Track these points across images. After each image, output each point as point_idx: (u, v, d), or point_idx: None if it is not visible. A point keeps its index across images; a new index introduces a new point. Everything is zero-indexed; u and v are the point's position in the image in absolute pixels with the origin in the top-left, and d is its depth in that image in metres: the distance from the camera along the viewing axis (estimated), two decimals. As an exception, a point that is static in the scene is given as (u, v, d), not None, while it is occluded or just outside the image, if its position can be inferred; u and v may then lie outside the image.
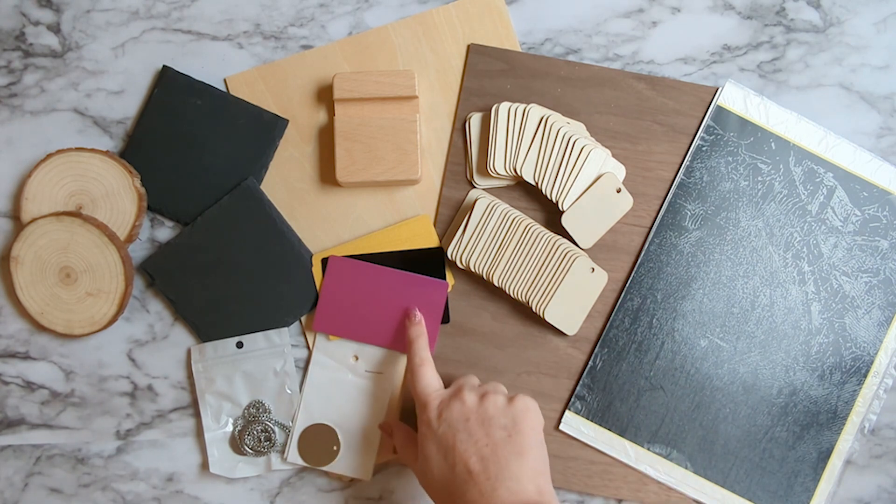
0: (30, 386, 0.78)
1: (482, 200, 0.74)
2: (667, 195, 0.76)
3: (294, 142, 0.77)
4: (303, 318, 0.77)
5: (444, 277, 0.75)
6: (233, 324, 0.76)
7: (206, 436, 0.76)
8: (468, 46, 0.77)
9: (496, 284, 0.74)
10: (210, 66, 0.78)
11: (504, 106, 0.74)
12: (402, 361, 0.76)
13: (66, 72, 0.78)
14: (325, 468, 0.75)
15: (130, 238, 0.76)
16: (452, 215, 0.76)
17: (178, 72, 0.76)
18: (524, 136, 0.74)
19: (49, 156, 0.75)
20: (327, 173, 0.77)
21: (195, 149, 0.76)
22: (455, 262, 0.74)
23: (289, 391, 0.76)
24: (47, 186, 0.75)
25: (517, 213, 0.74)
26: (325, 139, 0.77)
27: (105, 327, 0.75)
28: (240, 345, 0.76)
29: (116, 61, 0.78)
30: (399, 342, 0.75)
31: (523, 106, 0.74)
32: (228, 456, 0.76)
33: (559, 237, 0.73)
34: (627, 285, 0.75)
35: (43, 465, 0.77)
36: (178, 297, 0.76)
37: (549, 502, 0.62)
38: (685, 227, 0.75)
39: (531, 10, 0.78)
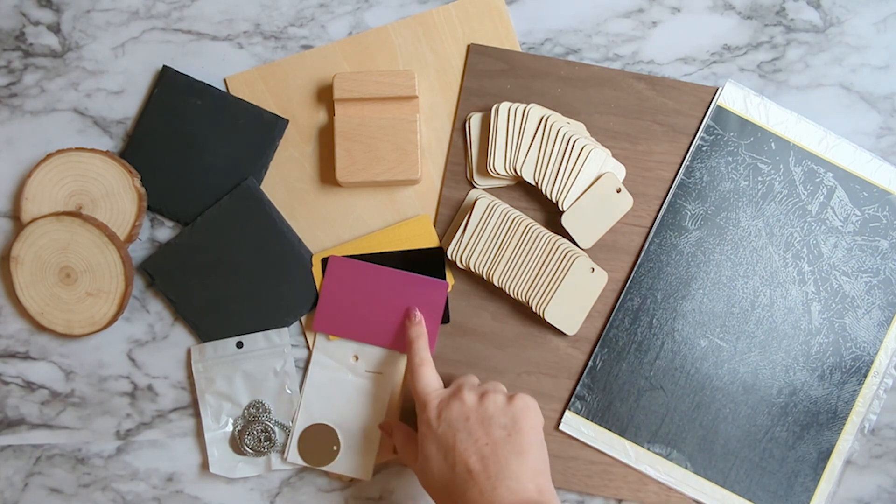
0: (30, 386, 0.78)
1: (482, 200, 0.74)
2: (667, 195, 0.76)
3: (294, 142, 0.77)
4: (303, 318, 0.77)
5: (444, 277, 0.75)
6: (233, 324, 0.76)
7: (206, 436, 0.76)
8: (468, 46, 0.77)
9: (496, 284, 0.74)
10: (210, 66, 0.78)
11: (504, 106, 0.74)
12: (402, 361, 0.76)
13: (66, 72, 0.78)
14: (325, 468, 0.75)
15: (130, 238, 0.76)
16: (452, 215, 0.76)
17: (178, 72, 0.76)
18: (524, 136, 0.74)
19: (49, 156, 0.75)
20: (327, 173, 0.77)
21: (195, 149, 0.76)
22: (455, 262, 0.74)
23: (289, 391, 0.76)
24: (47, 186, 0.75)
25: (517, 213, 0.74)
26: (325, 139, 0.77)
27: (105, 327, 0.75)
28: (240, 345, 0.76)
29: (116, 61, 0.78)
30: (399, 342, 0.75)
31: (523, 106, 0.74)
32: (228, 456, 0.76)
33: (559, 237, 0.73)
34: (627, 285, 0.75)
35: (43, 465, 0.77)
36: (178, 297, 0.76)
37: (550, 501, 0.62)
38: (685, 227, 0.75)
39: (531, 10, 0.78)
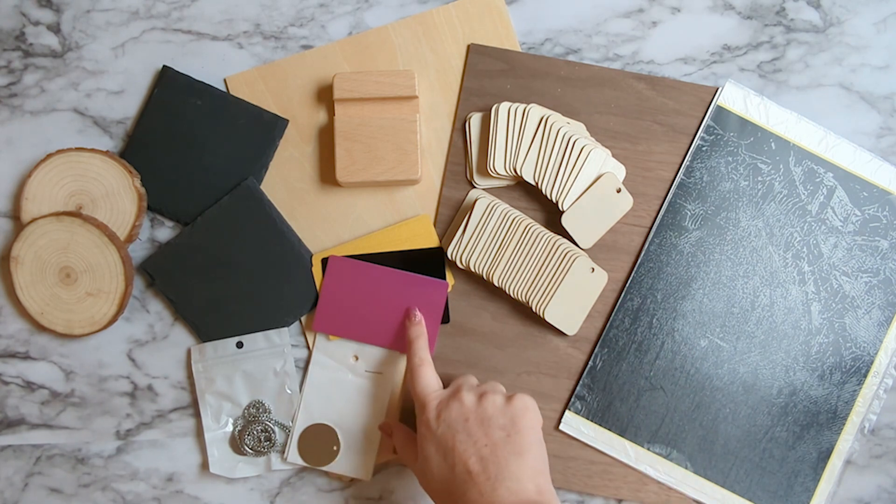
0: (30, 386, 0.78)
1: (482, 200, 0.74)
2: (667, 195, 0.76)
3: (294, 142, 0.77)
4: (303, 318, 0.77)
5: (444, 277, 0.75)
6: (233, 324, 0.76)
7: (206, 436, 0.76)
8: (468, 46, 0.77)
9: (496, 284, 0.74)
10: (210, 66, 0.78)
11: (504, 106, 0.74)
12: (402, 361, 0.76)
13: (66, 72, 0.78)
14: (325, 468, 0.75)
15: (130, 238, 0.76)
16: (452, 215, 0.76)
17: (178, 72, 0.76)
18: (524, 136, 0.74)
19: (49, 156, 0.75)
20: (327, 173, 0.77)
21: (195, 149, 0.76)
22: (455, 262, 0.74)
23: (289, 391, 0.76)
24: (47, 186, 0.75)
25: (517, 213, 0.74)
26: (325, 139, 0.77)
27: (105, 327, 0.75)
28: (240, 345, 0.76)
29: (116, 61, 0.78)
30: (399, 342, 0.75)
31: (523, 106, 0.74)
32: (228, 456, 0.76)
33: (559, 237, 0.73)
34: (627, 285, 0.75)
35: (43, 465, 0.77)
36: (178, 297, 0.76)
37: (549, 501, 0.62)
38: (685, 227, 0.75)
39: (531, 10, 0.78)
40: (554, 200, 0.74)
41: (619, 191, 0.74)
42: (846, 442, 0.74)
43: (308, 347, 0.77)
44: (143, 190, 0.76)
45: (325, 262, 0.76)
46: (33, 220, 0.74)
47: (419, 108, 0.76)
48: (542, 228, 0.73)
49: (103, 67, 0.78)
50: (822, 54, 0.77)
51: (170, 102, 0.76)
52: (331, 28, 0.78)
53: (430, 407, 0.67)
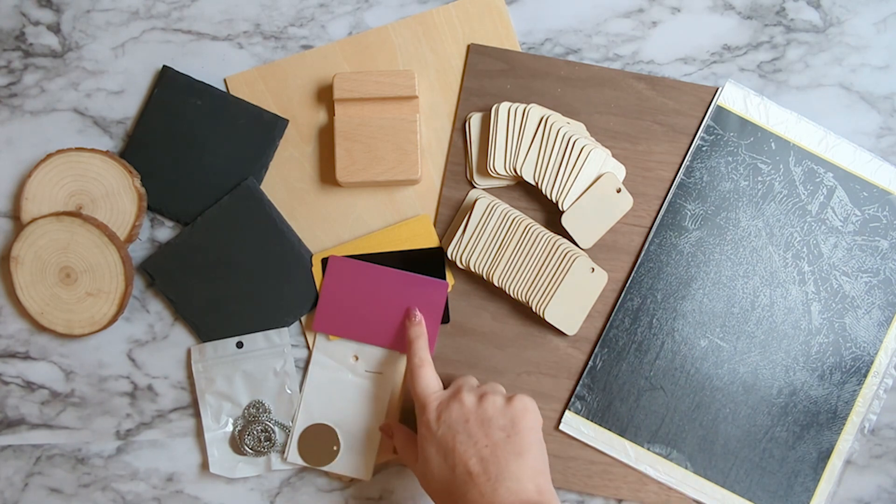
0: (30, 386, 0.78)
1: (482, 200, 0.74)
2: (667, 195, 0.76)
3: (294, 142, 0.77)
4: (303, 318, 0.77)
5: (444, 277, 0.75)
6: (233, 324, 0.76)
7: (206, 436, 0.76)
8: (468, 46, 0.77)
9: (496, 284, 0.74)
10: (210, 66, 0.78)
11: (504, 106, 0.74)
12: (402, 361, 0.76)
13: (66, 72, 0.78)
14: (325, 468, 0.75)
15: (130, 238, 0.76)
16: (452, 215, 0.76)
17: (178, 72, 0.76)
18: (524, 136, 0.74)
19: (49, 156, 0.75)
20: (327, 173, 0.77)
21: (195, 149, 0.76)
22: (455, 262, 0.74)
23: (289, 391, 0.76)
24: (47, 186, 0.75)
25: (517, 213, 0.74)
26: (325, 139, 0.77)
27: (105, 327, 0.75)
28: (240, 345, 0.76)
29: (116, 61, 0.78)
30: (399, 342, 0.75)
31: (523, 106, 0.74)
32: (228, 456, 0.76)
33: (559, 237, 0.73)
34: (627, 285, 0.75)
35: (43, 465, 0.77)
36: (178, 297, 0.76)
37: (550, 501, 0.62)
38: (685, 227, 0.75)
39: (531, 10, 0.78)
40: (554, 200, 0.74)
41: (619, 191, 0.74)
42: (846, 442, 0.74)
43: (308, 347, 0.77)
44: (143, 190, 0.76)
45: (325, 262, 0.76)
46: (33, 220, 0.74)
47: (419, 108, 0.76)
48: (542, 228, 0.73)
49: (103, 67, 0.78)
50: (822, 54, 0.77)
51: (170, 102, 0.76)
52: (331, 28, 0.78)
53: (431, 408, 0.67)
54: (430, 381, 0.70)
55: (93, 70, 0.78)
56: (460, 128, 0.77)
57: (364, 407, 0.76)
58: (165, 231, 0.78)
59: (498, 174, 0.74)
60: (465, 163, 0.76)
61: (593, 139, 0.75)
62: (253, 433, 0.75)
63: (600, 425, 0.75)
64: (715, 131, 0.75)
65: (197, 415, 0.77)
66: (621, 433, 0.75)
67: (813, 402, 0.74)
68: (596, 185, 0.73)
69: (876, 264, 0.75)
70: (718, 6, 0.77)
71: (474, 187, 0.76)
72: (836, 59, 0.77)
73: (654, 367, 0.75)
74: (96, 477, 0.77)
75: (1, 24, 0.78)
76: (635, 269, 0.75)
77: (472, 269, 0.74)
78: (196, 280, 0.76)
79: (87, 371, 0.77)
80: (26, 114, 0.78)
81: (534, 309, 0.73)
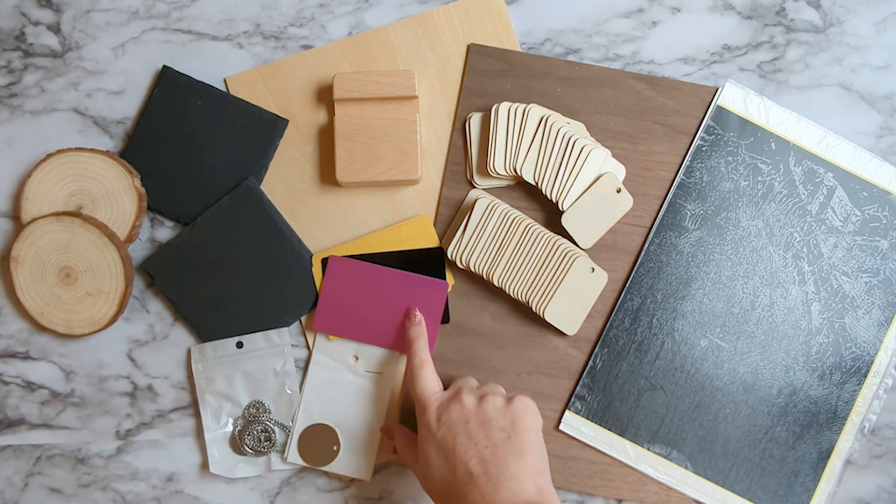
0: (30, 386, 0.78)
1: (482, 200, 0.74)
2: (667, 195, 0.76)
3: (294, 142, 0.77)
4: (303, 318, 0.77)
5: (444, 277, 0.75)
6: (233, 324, 0.76)
7: (206, 436, 0.76)
8: (468, 46, 0.77)
9: (496, 284, 0.74)
10: (210, 66, 0.78)
11: (504, 106, 0.74)
12: (402, 361, 0.76)
13: (66, 72, 0.78)
14: (325, 468, 0.75)
15: (130, 238, 0.76)
16: (452, 215, 0.76)
17: (178, 72, 0.76)
18: (524, 136, 0.74)
19: (49, 156, 0.75)
20: (327, 173, 0.77)
21: (195, 149, 0.76)
22: (455, 262, 0.74)
23: (289, 391, 0.76)
24: (47, 186, 0.75)
25: (517, 213, 0.74)
26: (325, 139, 0.77)
27: (105, 327, 0.75)
28: (240, 345, 0.76)
29: (116, 61, 0.78)
30: (399, 342, 0.75)
31: (523, 106, 0.74)
32: (228, 456, 0.76)
33: (559, 237, 0.73)
34: (627, 285, 0.75)
35: (43, 465, 0.77)
36: (178, 297, 0.76)
37: (550, 501, 0.62)
38: (685, 227, 0.75)
39: (531, 10, 0.78)
40: (554, 200, 0.74)
41: (619, 191, 0.74)
42: (846, 442, 0.74)
43: (308, 347, 0.77)
44: (143, 190, 0.76)
45: (325, 262, 0.76)
46: (33, 220, 0.74)
47: (419, 108, 0.76)
48: (542, 228, 0.73)
49: (103, 67, 0.78)
50: (822, 54, 0.77)
51: (170, 102, 0.76)
52: (331, 28, 0.78)
53: (431, 409, 0.67)
54: (430, 382, 0.70)
55: (93, 70, 0.78)
56: (460, 128, 0.77)
57: (364, 407, 0.76)
58: (165, 231, 0.78)
59: (498, 174, 0.74)
60: (465, 163, 0.76)
61: (593, 139, 0.75)
62: (253, 433, 0.75)
63: (600, 425, 0.75)
64: (715, 131, 0.75)
65: (197, 415, 0.77)
66: (621, 433, 0.75)
67: (813, 402, 0.74)
68: (596, 185, 0.73)
69: (876, 264, 0.75)
70: (718, 6, 0.77)
71: (474, 187, 0.76)
72: (836, 59, 0.77)
73: (654, 367, 0.75)
74: (96, 477, 0.77)
75: (1, 24, 0.78)
76: (635, 269, 0.75)
77: (472, 269, 0.74)
78: (196, 280, 0.76)
79: (87, 371, 0.77)
80: (26, 114, 0.78)
81: (534, 309, 0.73)
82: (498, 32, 0.77)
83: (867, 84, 0.77)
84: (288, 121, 0.77)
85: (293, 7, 0.78)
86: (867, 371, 0.75)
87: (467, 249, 0.74)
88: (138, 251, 0.78)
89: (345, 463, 0.75)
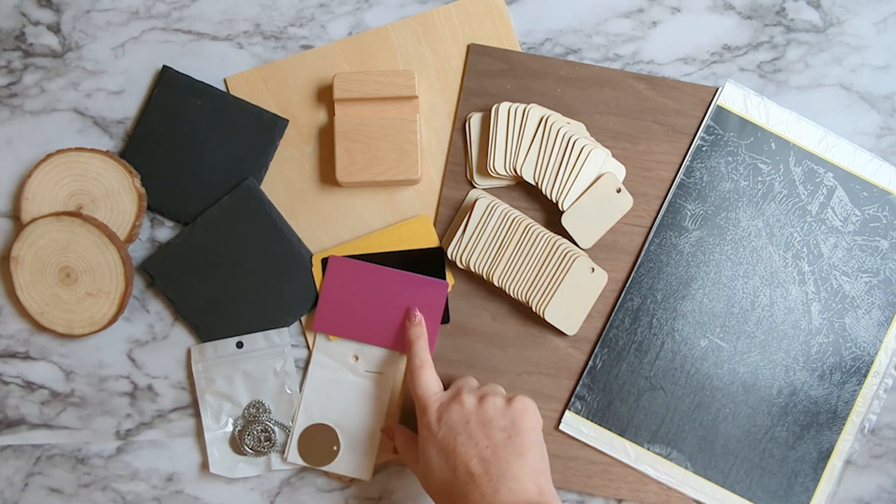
0: (30, 386, 0.78)
1: (482, 200, 0.74)
2: (667, 195, 0.76)
3: (294, 142, 0.77)
4: (303, 318, 0.77)
5: (444, 277, 0.75)
6: (233, 324, 0.76)
7: (206, 436, 0.76)
8: (468, 46, 0.77)
9: (496, 284, 0.74)
10: (210, 66, 0.78)
11: (504, 106, 0.74)
12: (402, 361, 0.76)
13: (66, 72, 0.78)
14: (325, 468, 0.75)
15: (130, 238, 0.76)
16: (452, 215, 0.76)
17: (178, 72, 0.76)
18: (524, 136, 0.74)
19: (49, 156, 0.75)
20: (327, 173, 0.77)
21: (195, 149, 0.76)
22: (455, 262, 0.74)
23: (289, 391, 0.76)
24: (47, 186, 0.75)
25: (517, 213, 0.74)
26: (325, 139, 0.77)
27: (105, 327, 0.75)
28: (240, 345, 0.76)
29: (116, 61, 0.78)
30: (399, 342, 0.75)
31: (523, 106, 0.74)
32: (228, 456, 0.76)
33: (559, 237, 0.73)
34: (627, 285, 0.75)
35: (43, 465, 0.77)
36: (178, 297, 0.76)
37: (550, 501, 0.62)
38: (685, 227, 0.75)
39: (531, 10, 0.78)
40: (554, 200, 0.74)
41: (619, 191, 0.74)
42: (846, 442, 0.74)
43: (308, 347, 0.77)
44: (143, 190, 0.76)
45: (325, 262, 0.76)
46: (33, 220, 0.74)
47: (419, 108, 0.76)
48: (542, 228, 0.73)
49: (103, 67, 0.78)
50: (822, 54, 0.77)
51: (170, 102, 0.76)
52: (331, 28, 0.78)
53: (431, 410, 0.67)
54: (430, 382, 0.70)
55: (93, 70, 0.78)
56: (460, 128, 0.77)
57: (364, 407, 0.76)
58: (165, 231, 0.78)
59: (498, 174, 0.74)
60: (465, 163, 0.76)
61: (593, 139, 0.75)
62: (253, 433, 0.75)
63: (600, 425, 0.75)
64: (715, 131, 0.75)
65: (197, 415, 0.77)
66: (621, 433, 0.75)
67: (813, 402, 0.74)
68: (596, 185, 0.73)
69: (876, 264, 0.75)
70: (718, 6, 0.77)
71: (474, 187, 0.76)
72: (836, 59, 0.77)
73: (654, 367, 0.75)
74: (96, 477, 0.77)
75: (1, 24, 0.78)
76: (635, 269, 0.75)
77: (472, 269, 0.74)
78: (196, 280, 0.76)
79: (87, 371, 0.77)
80: (26, 114, 0.78)
81: (534, 309, 0.73)
82: (498, 32, 0.77)
83: (867, 84, 0.77)
84: (288, 121, 0.77)
85: (293, 7, 0.78)
86: (867, 371, 0.75)
87: (467, 249, 0.74)
88: (138, 251, 0.78)
89: (345, 463, 0.75)
